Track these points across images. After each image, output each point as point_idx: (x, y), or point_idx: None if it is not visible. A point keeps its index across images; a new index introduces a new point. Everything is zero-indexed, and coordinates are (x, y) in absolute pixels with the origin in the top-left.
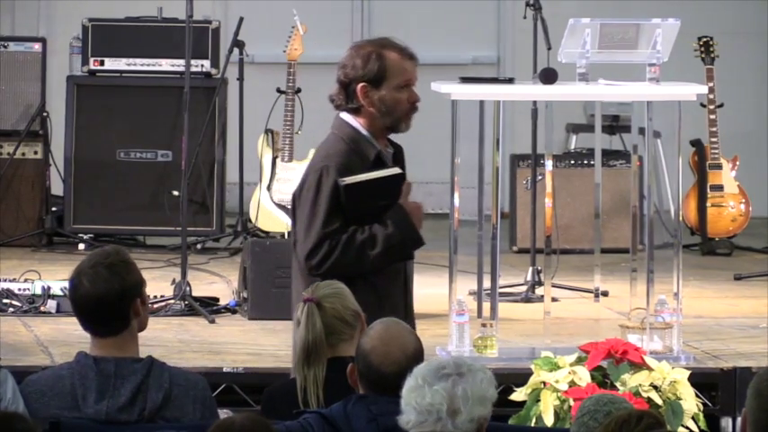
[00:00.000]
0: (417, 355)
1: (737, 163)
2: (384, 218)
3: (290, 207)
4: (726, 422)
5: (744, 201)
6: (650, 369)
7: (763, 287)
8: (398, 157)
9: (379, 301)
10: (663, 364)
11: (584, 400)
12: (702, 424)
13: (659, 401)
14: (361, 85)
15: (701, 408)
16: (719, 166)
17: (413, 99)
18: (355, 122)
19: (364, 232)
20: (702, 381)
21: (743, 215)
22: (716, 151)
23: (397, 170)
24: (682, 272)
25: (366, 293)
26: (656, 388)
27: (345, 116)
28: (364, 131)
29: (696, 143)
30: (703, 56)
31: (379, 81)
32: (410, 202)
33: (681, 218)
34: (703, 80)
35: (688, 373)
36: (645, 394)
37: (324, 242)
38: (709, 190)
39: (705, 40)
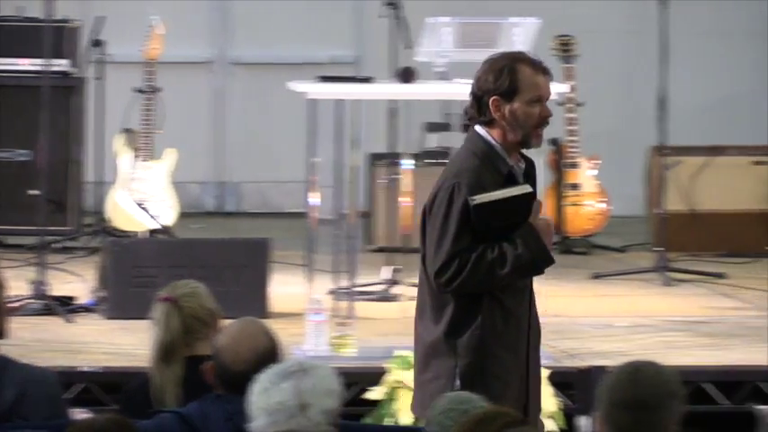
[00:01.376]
0: (268, 355)
1: (598, 162)
2: (514, 236)
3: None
4: (583, 421)
5: (603, 199)
6: None
7: (620, 286)
8: (530, 172)
9: (504, 319)
10: None
11: (439, 398)
12: (561, 422)
13: None
14: (493, 98)
15: (560, 406)
16: (577, 165)
17: (545, 114)
18: (488, 136)
19: (494, 251)
20: (560, 380)
21: (601, 214)
22: (574, 150)
23: (527, 188)
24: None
25: (492, 310)
26: None
27: (479, 129)
28: (497, 146)
29: (554, 142)
30: (563, 54)
31: (512, 95)
32: (540, 220)
33: None
34: (567, 79)
35: (547, 372)
36: None
37: (454, 260)
38: (566, 189)
39: (564, 38)
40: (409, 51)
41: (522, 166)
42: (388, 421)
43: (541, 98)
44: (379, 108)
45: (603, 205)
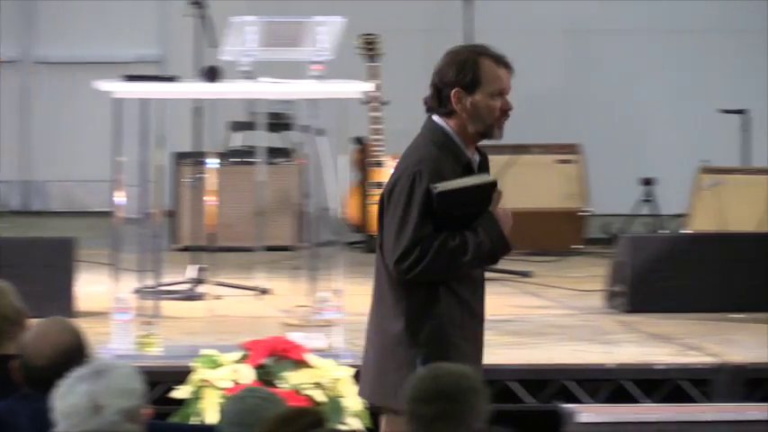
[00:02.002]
0: (72, 353)
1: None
2: (475, 225)
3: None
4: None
5: None
6: (312, 367)
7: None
8: (484, 164)
9: (461, 309)
10: (326, 362)
11: (233, 396)
12: (365, 421)
13: (322, 399)
14: (455, 90)
15: (364, 405)
16: (382, 164)
17: (505, 107)
18: (447, 126)
19: (456, 239)
20: None
21: None
22: (378, 149)
23: (490, 178)
24: (345, 269)
25: (450, 301)
26: (319, 386)
27: (438, 119)
28: (455, 137)
29: (359, 140)
30: (368, 53)
31: (474, 87)
32: (500, 210)
33: (344, 215)
34: (371, 78)
35: (351, 370)
36: (307, 392)
37: (415, 247)
38: (371, 187)
39: (369, 37)
40: (214, 50)
41: (477, 158)
42: (194, 420)
43: (503, 91)
44: (184, 107)
45: None
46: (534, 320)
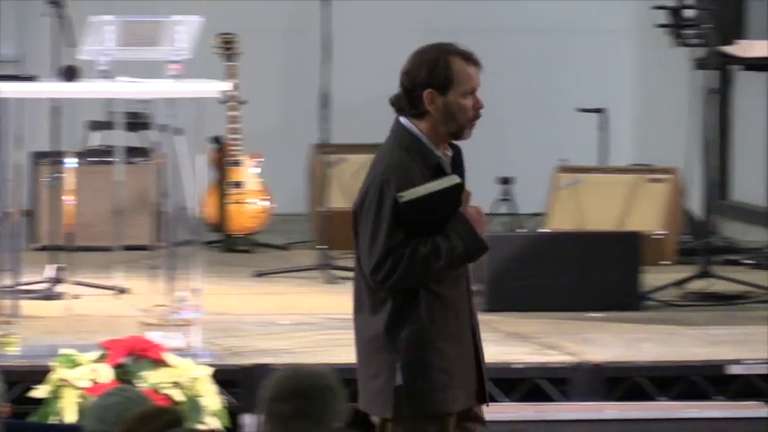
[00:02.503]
0: None
1: (260, 160)
2: (446, 228)
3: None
4: (247, 419)
5: (265, 198)
6: (171, 366)
7: (283, 284)
8: (457, 159)
9: (443, 310)
10: (184, 361)
11: (98, 395)
12: (225, 421)
13: (180, 398)
14: (427, 91)
15: (223, 404)
16: (240, 163)
17: (478, 106)
18: (415, 129)
19: (427, 245)
20: (224, 378)
21: (264, 212)
22: (237, 148)
23: (455, 179)
24: (203, 269)
25: (431, 303)
26: (177, 385)
27: (405, 122)
28: (424, 138)
29: (217, 140)
30: (225, 52)
31: (446, 87)
32: (470, 209)
33: (202, 215)
34: (229, 77)
35: (210, 370)
36: (165, 391)
37: (388, 257)
38: (229, 187)
39: (226, 37)
40: (72, 50)
41: (450, 154)
42: (52, 419)
43: (474, 89)
44: (42, 106)
45: (266, 203)
46: None
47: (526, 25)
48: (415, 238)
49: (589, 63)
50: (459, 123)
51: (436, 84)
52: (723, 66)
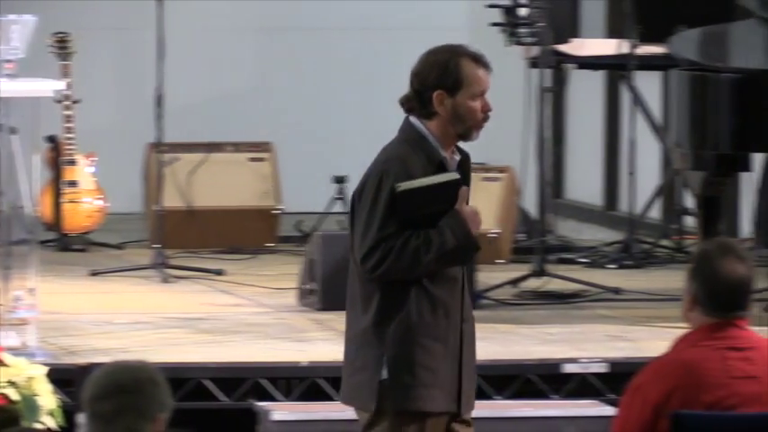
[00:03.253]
0: None
1: (95, 159)
2: (440, 223)
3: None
4: (82, 418)
5: (100, 197)
6: (6, 365)
7: (119, 283)
8: (464, 165)
9: (433, 308)
10: (20, 360)
11: None
12: (60, 420)
13: (16, 397)
14: (437, 92)
15: (59, 404)
16: (75, 162)
17: (486, 108)
18: (423, 127)
19: (419, 237)
20: (60, 377)
21: (99, 211)
22: (71, 147)
23: (453, 175)
24: (38, 268)
25: (420, 300)
26: (13, 384)
27: (414, 120)
28: (431, 137)
29: (51, 139)
30: (60, 51)
31: (456, 89)
32: (466, 208)
33: (37, 214)
34: (63, 76)
35: (45, 369)
36: (1, 390)
37: (379, 246)
38: (64, 186)
39: (60, 36)
40: None
41: (457, 158)
42: None
43: (484, 92)
44: None
45: (101, 202)
46: (228, 318)
47: (358, 24)
48: (409, 231)
49: None
50: (467, 125)
51: (446, 85)
52: (557, 64)
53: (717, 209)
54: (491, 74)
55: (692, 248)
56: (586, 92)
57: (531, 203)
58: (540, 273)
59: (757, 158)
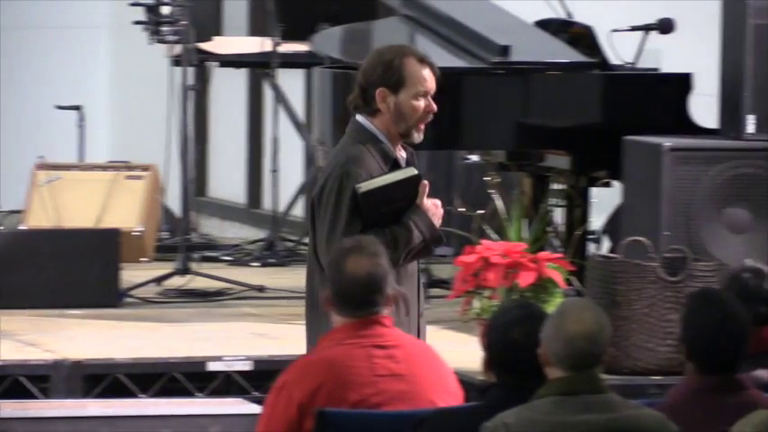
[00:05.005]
0: None
1: None
2: (403, 219)
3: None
4: None
5: None
6: None
7: None
8: (411, 161)
9: (396, 305)
10: None
11: None
12: None
13: None
14: (379, 89)
15: None
16: None
17: (429, 109)
18: (371, 126)
19: (386, 235)
20: None
21: None
22: None
23: (411, 171)
24: None
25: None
26: None
27: (361, 119)
28: (381, 135)
29: None
30: None
31: (398, 87)
32: (427, 201)
33: None
34: None
35: None
36: None
37: None
38: None
39: None
40: None
41: (404, 155)
42: None
43: (426, 93)
44: None
45: None
46: None
47: (3, 23)
48: (373, 229)
49: (67, 60)
50: (408, 124)
51: (389, 83)
52: (200, 62)
53: None
54: (436, 74)
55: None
56: (230, 90)
57: (174, 202)
58: (183, 271)
59: None
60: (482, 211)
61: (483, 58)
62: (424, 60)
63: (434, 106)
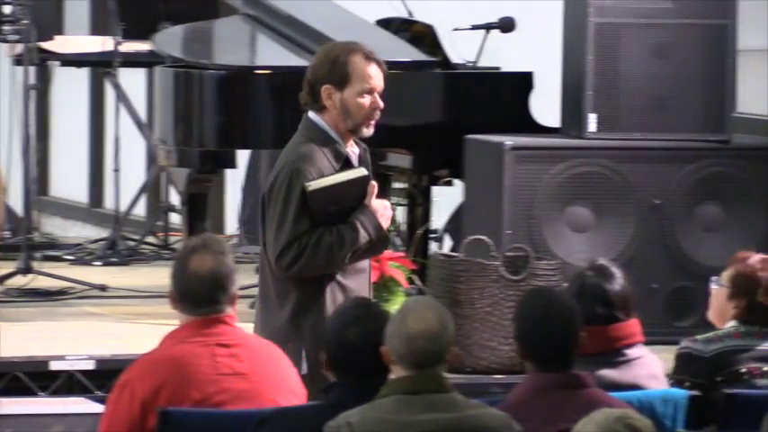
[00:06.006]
0: None
1: None
2: (351, 219)
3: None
4: None
5: None
6: None
7: None
8: (363, 156)
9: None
10: None
11: None
12: None
13: None
14: (325, 86)
15: None
16: None
17: (374, 106)
18: (323, 123)
19: (332, 233)
20: None
21: None
22: None
23: (362, 171)
24: None
25: (334, 293)
26: None
27: (313, 116)
28: (332, 132)
29: None
30: None
31: (343, 84)
32: (376, 202)
33: None
34: None
35: None
36: None
37: (293, 244)
38: None
39: None
40: None
41: (357, 150)
42: None
43: (372, 90)
44: None
45: None
46: None
47: None
48: (320, 228)
49: None
50: (355, 121)
51: (334, 80)
52: (42, 62)
53: (202, 206)
54: (384, 72)
55: (178, 245)
56: (72, 89)
57: (16, 201)
58: (25, 270)
59: (243, 156)
60: None
61: None
62: (370, 57)
63: (381, 103)
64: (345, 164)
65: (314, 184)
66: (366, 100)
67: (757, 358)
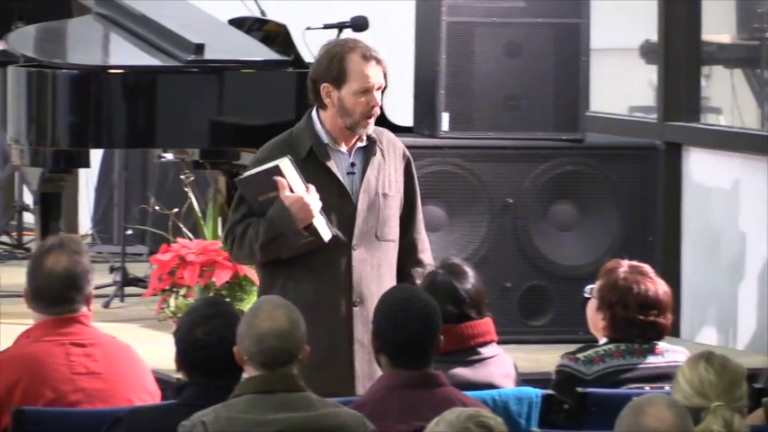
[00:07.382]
0: None
1: None
2: (269, 211)
3: None
4: None
5: None
6: None
7: None
8: (368, 149)
9: (299, 298)
10: None
11: None
12: None
13: None
14: (323, 84)
15: None
16: None
17: (372, 104)
18: (316, 118)
19: (255, 225)
20: None
21: None
22: None
23: (276, 162)
24: None
25: (285, 289)
26: None
27: (313, 113)
28: (319, 127)
29: None
30: None
31: (340, 83)
32: (290, 196)
33: None
34: None
35: None
36: None
37: (229, 232)
38: None
39: None
40: None
41: (361, 145)
42: None
43: (369, 88)
44: None
45: None
46: None
47: None
48: (252, 217)
49: None
50: (352, 119)
51: (332, 78)
52: None
53: (56, 205)
54: (384, 70)
55: (32, 245)
56: None
57: None
58: None
59: (97, 155)
60: (177, 210)
61: (177, 57)
62: (369, 56)
63: (378, 101)
64: (308, 156)
65: (244, 173)
66: (363, 99)
67: (639, 378)
